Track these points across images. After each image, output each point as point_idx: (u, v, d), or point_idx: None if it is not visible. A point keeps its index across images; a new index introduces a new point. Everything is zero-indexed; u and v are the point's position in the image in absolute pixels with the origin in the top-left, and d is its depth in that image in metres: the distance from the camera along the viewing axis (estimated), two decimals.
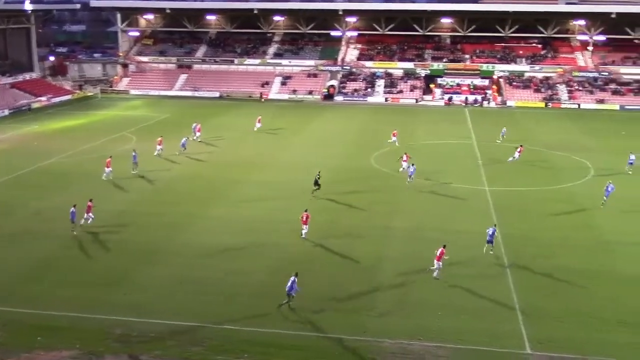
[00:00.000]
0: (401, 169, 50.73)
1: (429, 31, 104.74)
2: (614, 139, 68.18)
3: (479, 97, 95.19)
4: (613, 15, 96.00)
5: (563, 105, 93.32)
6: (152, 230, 37.44)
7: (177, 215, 40.01)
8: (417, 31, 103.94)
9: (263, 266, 32.38)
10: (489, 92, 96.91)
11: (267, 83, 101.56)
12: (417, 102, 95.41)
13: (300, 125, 71.11)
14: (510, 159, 55.55)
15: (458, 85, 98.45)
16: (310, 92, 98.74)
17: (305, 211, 36.72)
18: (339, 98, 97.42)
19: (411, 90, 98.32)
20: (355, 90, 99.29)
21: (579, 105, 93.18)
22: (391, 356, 24.33)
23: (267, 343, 25.06)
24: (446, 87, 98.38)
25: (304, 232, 36.29)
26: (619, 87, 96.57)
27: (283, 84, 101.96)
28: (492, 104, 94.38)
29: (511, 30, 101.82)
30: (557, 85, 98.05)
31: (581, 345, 25.14)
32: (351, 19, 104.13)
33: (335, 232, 37.52)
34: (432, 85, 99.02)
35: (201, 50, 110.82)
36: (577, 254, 34.64)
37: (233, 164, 54.01)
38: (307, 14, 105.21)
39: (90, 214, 36.94)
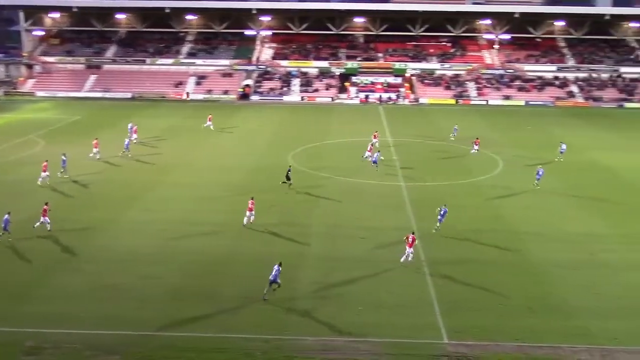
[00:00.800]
0: (365, 157, 54.18)
1: (342, 30, 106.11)
2: (520, 132, 71.22)
3: (393, 95, 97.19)
4: (516, 15, 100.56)
5: (472, 102, 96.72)
6: (66, 236, 35.95)
7: (93, 220, 38.64)
8: (331, 30, 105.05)
9: (177, 269, 31.77)
10: (402, 89, 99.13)
11: (180, 83, 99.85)
12: (332, 100, 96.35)
13: (216, 125, 70.14)
14: (473, 151, 58.35)
15: (372, 83, 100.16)
16: (226, 92, 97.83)
17: (252, 199, 37.95)
18: (255, 97, 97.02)
19: (327, 89, 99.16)
20: (271, 89, 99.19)
21: (487, 101, 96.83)
22: (314, 353, 24.41)
23: (187, 347, 24.59)
24: (361, 85, 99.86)
25: (246, 219, 37.52)
26: (523, 83, 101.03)
27: (198, 83, 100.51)
28: (406, 102, 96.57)
29: (422, 30, 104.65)
30: (467, 82, 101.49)
31: (494, 332, 26.10)
32: (265, 18, 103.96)
33: (252, 231, 37.30)
34: (346, 84, 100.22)
35: (111, 50, 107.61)
36: (489, 245, 35.87)
37: (164, 165, 52.78)
38: (221, 13, 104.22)
39: (47, 218, 35.72)
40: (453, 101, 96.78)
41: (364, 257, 33.71)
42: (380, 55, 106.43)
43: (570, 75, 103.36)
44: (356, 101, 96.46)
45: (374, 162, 51.49)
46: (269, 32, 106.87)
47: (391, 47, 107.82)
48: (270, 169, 51.80)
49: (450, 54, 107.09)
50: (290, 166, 48.10)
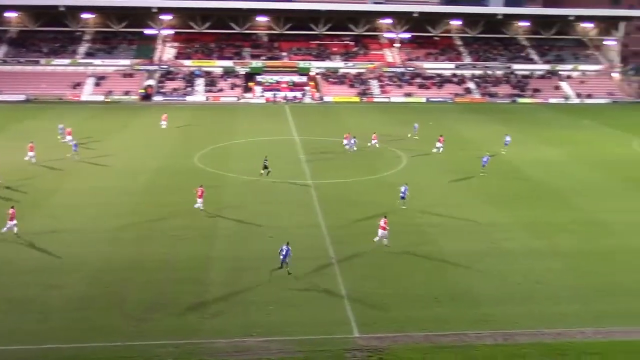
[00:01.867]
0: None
1: (246, 29, 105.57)
2: (422, 129, 73.26)
3: (298, 94, 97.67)
4: (415, 15, 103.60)
5: (376, 100, 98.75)
6: None
7: None
8: (235, 29, 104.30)
9: (80, 278, 30.55)
10: (307, 88, 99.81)
11: (79, 84, 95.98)
12: (238, 100, 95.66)
13: (118, 127, 68.12)
14: (435, 150, 59.36)
15: (277, 82, 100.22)
16: (127, 93, 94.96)
17: (200, 186, 40.41)
18: (158, 98, 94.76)
19: (232, 89, 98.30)
20: (175, 89, 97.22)
21: (389, 98, 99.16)
22: (226, 355, 24.16)
23: (92, 359, 23.71)
24: (266, 84, 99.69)
25: (198, 205, 39.94)
26: (424, 81, 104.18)
27: (97, 84, 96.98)
28: (311, 100, 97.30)
29: (325, 29, 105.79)
30: (370, 80, 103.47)
31: (403, 323, 26.77)
32: (166, 17, 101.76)
33: (157, 235, 36.41)
34: (251, 84, 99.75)
35: (1, 50, 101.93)
36: (397, 239, 36.69)
37: (67, 170, 50.40)
38: (119, 12, 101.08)
39: (13, 222, 35.23)
40: (357, 99, 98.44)
41: (272, 256, 33.63)
42: (284, 54, 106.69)
43: (467, 73, 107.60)
44: (262, 100, 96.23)
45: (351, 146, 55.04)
46: (171, 31, 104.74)
47: (295, 46, 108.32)
48: (175, 171, 50.82)
49: (353, 53, 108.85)
50: (266, 156, 50.38)
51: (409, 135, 67.30)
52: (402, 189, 42.14)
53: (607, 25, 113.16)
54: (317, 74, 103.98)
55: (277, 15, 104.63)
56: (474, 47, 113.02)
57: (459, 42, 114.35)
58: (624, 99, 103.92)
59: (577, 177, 52.32)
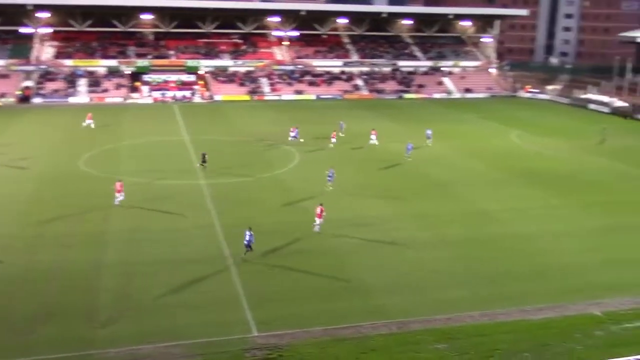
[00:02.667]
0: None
1: (130, 27, 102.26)
2: (313, 126, 74.13)
3: (187, 93, 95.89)
4: (303, 13, 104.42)
5: (266, 98, 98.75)
6: None
7: None
8: (118, 27, 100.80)
9: None
10: (197, 87, 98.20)
11: None
12: (124, 100, 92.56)
13: None
14: (371, 141, 62.01)
15: (165, 82, 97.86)
16: (2, 95, 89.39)
17: (120, 180, 41.50)
18: (37, 100, 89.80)
19: (117, 89, 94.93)
20: (55, 90, 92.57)
21: (280, 96, 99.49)
22: None
23: None
24: (153, 84, 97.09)
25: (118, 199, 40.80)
26: (313, 78, 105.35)
27: None
28: (201, 99, 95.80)
29: (212, 26, 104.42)
30: (260, 78, 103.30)
31: (302, 319, 27.06)
32: (43, 15, 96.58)
33: (42, 245, 34.64)
34: (137, 83, 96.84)
35: None
36: (293, 236, 37.01)
37: None
38: None
39: None
40: (248, 97, 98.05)
41: (167, 258, 33.03)
42: (171, 52, 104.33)
43: (355, 70, 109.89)
44: (149, 100, 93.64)
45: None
46: (49, 30, 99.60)
47: (183, 44, 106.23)
48: (59, 176, 48.54)
49: (242, 51, 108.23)
50: (204, 153, 52.09)
51: (341, 135, 66.88)
52: (329, 172, 45.53)
53: (484, 23, 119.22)
54: (206, 72, 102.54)
55: (162, 13, 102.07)
56: (361, 44, 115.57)
57: (346, 40, 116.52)
58: (501, 93, 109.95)
59: (461, 169, 54.82)
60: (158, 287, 29.78)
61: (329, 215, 40.62)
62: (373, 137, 62.79)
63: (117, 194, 40.87)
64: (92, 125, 66.85)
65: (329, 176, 46.31)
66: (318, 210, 37.52)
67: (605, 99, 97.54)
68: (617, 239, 38.23)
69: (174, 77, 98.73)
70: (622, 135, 73.61)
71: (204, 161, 51.80)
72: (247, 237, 32.95)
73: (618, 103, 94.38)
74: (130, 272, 31.42)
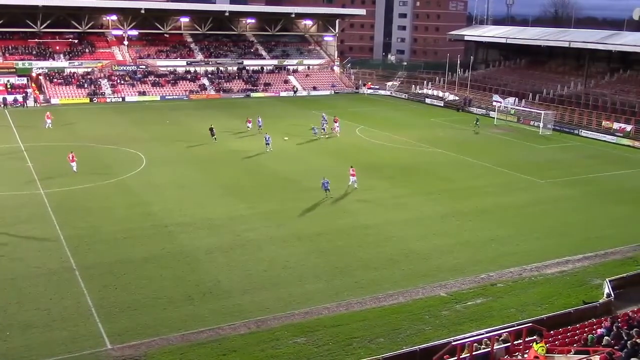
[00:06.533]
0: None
1: None
2: (159, 127, 72.21)
3: (19, 97, 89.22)
4: (143, 11, 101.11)
5: (108, 100, 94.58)
6: None
7: None
8: None
9: None
10: (30, 90, 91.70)
11: None
12: None
13: None
14: (335, 130, 69.09)
15: None
16: None
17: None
18: None
19: None
20: None
21: (123, 98, 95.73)
22: None
23: None
24: None
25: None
26: (157, 78, 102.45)
27: None
28: (35, 103, 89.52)
29: (44, 25, 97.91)
30: (100, 80, 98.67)
31: (158, 327, 26.21)
32: None
33: None
34: None
35: None
36: (141, 243, 35.77)
37: None
38: None
39: None
40: (87, 100, 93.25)
41: (3, 276, 30.54)
42: None
43: (201, 69, 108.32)
44: None
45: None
46: None
47: (11, 44, 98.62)
48: None
49: (78, 51, 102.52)
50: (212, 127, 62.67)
51: (259, 130, 68.12)
52: (323, 181, 44.97)
53: (325, 22, 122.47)
54: (39, 74, 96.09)
55: None
56: (205, 43, 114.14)
57: (189, 39, 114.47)
58: (345, 90, 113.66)
59: (308, 164, 55.89)
60: (8, 306, 27.44)
61: (178, 219, 39.85)
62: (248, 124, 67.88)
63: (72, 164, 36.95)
64: (51, 126, 63.36)
65: (324, 185, 44.90)
66: (351, 171, 47.13)
67: (439, 93, 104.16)
68: (457, 224, 40.99)
69: (3, 80, 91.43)
70: (455, 127, 79.02)
71: (212, 134, 61.66)
72: (325, 184, 43.87)
73: (451, 97, 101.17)
74: None
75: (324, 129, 70.01)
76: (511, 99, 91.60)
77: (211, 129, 63.67)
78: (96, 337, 25.40)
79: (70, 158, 50.13)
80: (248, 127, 69.38)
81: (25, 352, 23.98)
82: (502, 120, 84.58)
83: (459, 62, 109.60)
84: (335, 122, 70.50)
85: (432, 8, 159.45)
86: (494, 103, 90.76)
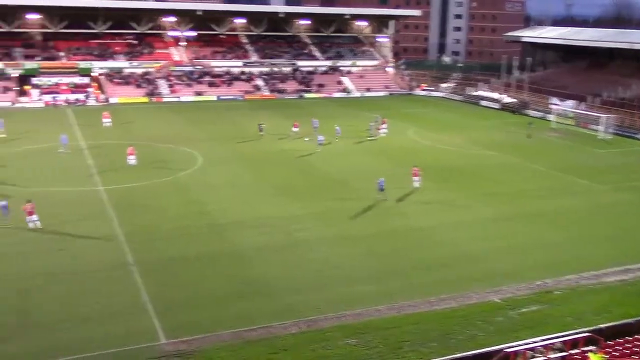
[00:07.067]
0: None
1: (15, 28, 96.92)
2: (215, 127, 73.26)
3: (81, 96, 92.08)
4: (199, 13, 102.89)
5: (165, 99, 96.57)
6: None
7: None
8: (1, 27, 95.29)
9: None
10: (91, 90, 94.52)
11: None
12: (13, 104, 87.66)
13: None
14: (381, 132, 68.97)
15: (57, 84, 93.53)
16: None
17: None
18: None
19: (4, 92, 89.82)
20: None
21: (179, 98, 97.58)
22: None
23: None
24: (44, 87, 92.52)
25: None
26: (213, 79, 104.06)
27: None
28: (96, 102, 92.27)
29: (105, 27, 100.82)
30: (157, 80, 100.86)
31: (211, 324, 26.63)
32: None
33: None
34: (27, 87, 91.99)
35: None
36: (196, 241, 36.41)
37: None
38: None
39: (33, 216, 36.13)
40: (145, 99, 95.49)
41: (65, 270, 31.57)
42: (62, 54, 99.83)
43: (255, 70, 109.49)
44: (40, 104, 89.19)
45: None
46: None
47: (74, 45, 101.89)
48: None
49: (137, 52, 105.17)
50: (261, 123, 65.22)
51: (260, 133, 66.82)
52: (379, 181, 44.41)
53: (379, 23, 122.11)
54: (100, 74, 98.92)
55: (50, 13, 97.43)
56: (260, 44, 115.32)
57: (245, 40, 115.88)
58: (398, 92, 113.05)
59: (361, 165, 55.79)
60: (53, 300, 28.43)
61: (232, 217, 40.38)
62: (295, 129, 66.65)
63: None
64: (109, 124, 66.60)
65: (380, 185, 44.55)
66: (414, 171, 47.27)
67: (495, 95, 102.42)
68: (510, 227, 40.26)
69: (66, 80, 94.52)
70: (510, 130, 77.62)
71: (260, 130, 64.04)
72: (381, 183, 43.45)
73: (507, 99, 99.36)
74: (22, 287, 29.73)
75: (370, 130, 69.90)
76: (569, 102, 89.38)
77: (260, 125, 66.11)
78: (151, 331, 26.00)
79: (129, 152, 52.73)
80: (294, 131, 67.09)
81: (83, 344, 24.72)
82: (560, 124, 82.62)
83: (515, 63, 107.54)
84: (383, 124, 70.22)
85: (488, 9, 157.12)
86: (552, 106, 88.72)
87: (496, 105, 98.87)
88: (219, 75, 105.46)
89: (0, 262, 32.53)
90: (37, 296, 28.82)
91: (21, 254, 33.65)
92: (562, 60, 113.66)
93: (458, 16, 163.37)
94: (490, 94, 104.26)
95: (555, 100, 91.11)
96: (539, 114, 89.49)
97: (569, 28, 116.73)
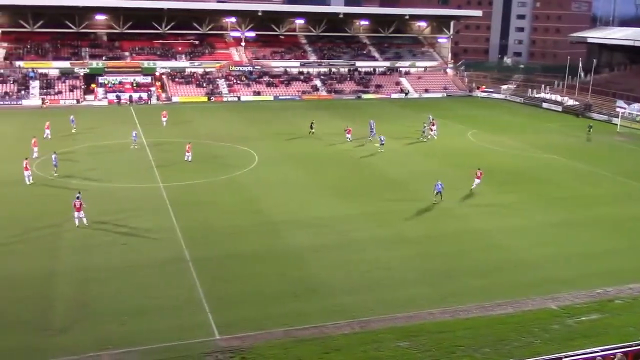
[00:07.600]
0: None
1: (83, 28, 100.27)
2: (272, 126, 73.95)
3: (144, 95, 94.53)
4: (260, 13, 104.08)
5: (225, 99, 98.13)
6: None
7: None
8: (71, 28, 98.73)
9: None
10: (153, 89, 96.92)
11: None
12: (78, 102, 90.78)
13: None
14: (432, 134, 67.89)
15: (121, 83, 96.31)
16: None
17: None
18: None
19: (71, 90, 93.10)
20: (7, 93, 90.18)
21: (239, 97, 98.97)
22: None
23: None
24: (109, 86, 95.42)
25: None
26: (271, 79, 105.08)
27: None
28: (158, 101, 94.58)
29: (168, 27, 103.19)
30: (217, 79, 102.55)
31: (263, 321, 26.87)
32: None
33: None
34: (92, 85, 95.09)
35: None
36: (250, 238, 36.80)
37: None
38: None
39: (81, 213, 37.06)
40: (205, 98, 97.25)
41: (124, 264, 32.43)
42: (126, 54, 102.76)
43: (313, 70, 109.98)
44: (105, 102, 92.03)
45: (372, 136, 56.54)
46: None
47: (138, 45, 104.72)
48: (9, 179, 47.32)
49: (199, 52, 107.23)
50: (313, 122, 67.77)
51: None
52: (438, 184, 44.04)
53: (439, 24, 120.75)
54: (162, 74, 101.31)
55: (116, 14, 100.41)
56: (318, 45, 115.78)
57: (303, 41, 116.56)
58: (457, 93, 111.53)
59: (418, 167, 55.28)
60: (114, 293, 29.23)
61: (285, 216, 40.61)
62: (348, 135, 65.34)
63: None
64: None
65: (438, 188, 43.92)
66: (478, 173, 46.90)
67: (557, 98, 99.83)
68: (570, 234, 39.13)
69: (129, 79, 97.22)
70: (573, 133, 75.47)
71: (311, 128, 66.07)
72: (439, 186, 43.23)
73: (570, 102, 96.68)
74: (85, 278, 30.71)
75: (424, 132, 68.85)
76: (637, 105, 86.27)
77: (312, 124, 67.49)
78: (206, 326, 26.42)
79: (187, 148, 54.44)
80: (348, 138, 64.64)
81: (139, 337, 25.34)
82: (626, 128, 79.83)
83: (580, 65, 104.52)
84: (433, 125, 69.20)
85: (552, 9, 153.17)
86: (618, 109, 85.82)
87: (559, 108, 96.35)
88: (277, 75, 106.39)
89: (65, 254, 33.68)
90: (96, 289, 29.69)
91: (86, 247, 34.75)
92: (629, 62, 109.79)
93: (521, 16, 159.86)
94: (552, 96, 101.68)
95: (621, 103, 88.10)
96: (604, 117, 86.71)
97: (638, 28, 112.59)
